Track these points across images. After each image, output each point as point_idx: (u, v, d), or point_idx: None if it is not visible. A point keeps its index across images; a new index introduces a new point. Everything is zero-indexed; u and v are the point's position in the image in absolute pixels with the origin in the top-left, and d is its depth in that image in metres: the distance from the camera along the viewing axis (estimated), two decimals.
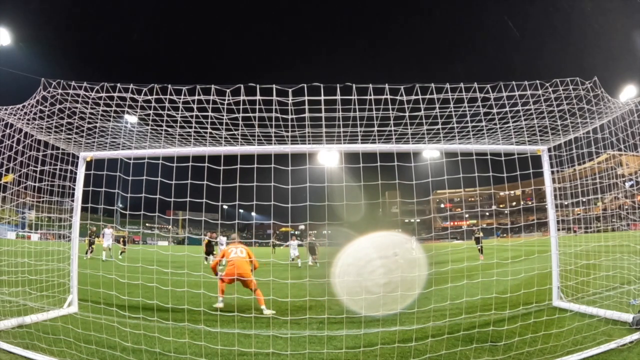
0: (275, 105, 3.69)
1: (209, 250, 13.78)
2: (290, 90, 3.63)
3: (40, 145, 4.89)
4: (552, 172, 5.38)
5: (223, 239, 15.94)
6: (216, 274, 6.06)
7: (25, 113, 4.39)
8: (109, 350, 3.49)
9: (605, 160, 5.28)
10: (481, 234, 17.86)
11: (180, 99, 3.82)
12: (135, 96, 3.87)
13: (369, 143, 4.88)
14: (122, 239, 19.25)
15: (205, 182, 3.95)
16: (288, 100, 3.65)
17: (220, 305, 5.63)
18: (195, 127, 4.34)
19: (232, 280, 5.56)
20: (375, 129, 4.22)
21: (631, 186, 5.45)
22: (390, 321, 4.55)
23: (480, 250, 16.27)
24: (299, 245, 16.44)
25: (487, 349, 3.55)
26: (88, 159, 5.33)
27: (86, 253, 15.72)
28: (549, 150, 5.40)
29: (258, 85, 3.62)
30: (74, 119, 4.29)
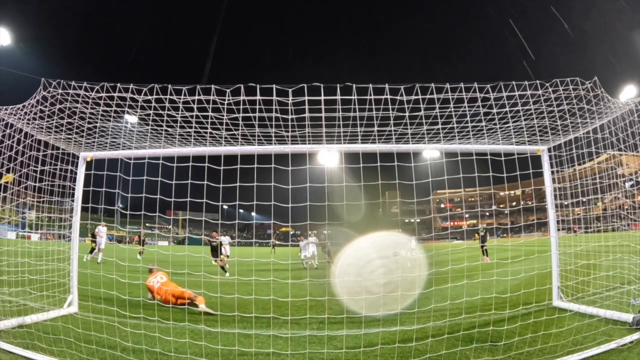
0: (275, 105, 3.70)
1: (213, 251, 13.43)
2: (290, 90, 3.63)
3: (40, 145, 4.89)
4: (552, 172, 5.38)
5: (225, 239, 15.70)
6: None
7: (26, 113, 4.39)
8: (109, 350, 3.49)
9: (605, 160, 5.28)
10: (487, 234, 15.90)
11: (180, 99, 3.82)
12: (135, 96, 3.87)
13: (369, 143, 4.88)
14: (138, 238, 19.09)
15: (205, 182, 3.95)
16: (288, 100, 3.65)
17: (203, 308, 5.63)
18: (195, 127, 4.34)
19: (171, 302, 5.59)
20: (375, 129, 4.22)
21: (631, 186, 5.45)
22: (391, 321, 4.55)
23: (484, 252, 15.00)
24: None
25: (487, 349, 3.55)
26: (88, 159, 5.33)
27: (90, 252, 15.34)
28: (549, 150, 5.40)
29: (258, 85, 3.63)
30: (74, 119, 4.29)
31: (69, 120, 4.32)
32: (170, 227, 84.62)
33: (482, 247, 15.33)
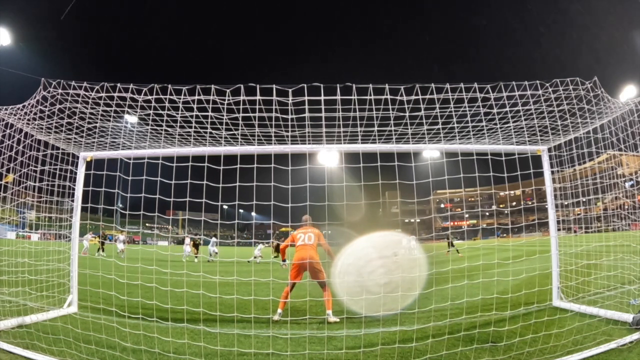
0: (275, 105, 3.69)
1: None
2: (290, 90, 3.63)
3: (40, 145, 4.89)
4: (552, 172, 5.38)
5: (212, 240, 16.48)
6: None
7: (26, 113, 4.39)
8: (108, 351, 3.49)
9: (606, 160, 5.27)
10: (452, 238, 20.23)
11: (180, 98, 3.82)
12: (135, 96, 3.87)
13: (369, 143, 4.88)
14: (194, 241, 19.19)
15: (205, 182, 3.95)
16: (288, 100, 3.65)
17: None
18: (195, 127, 4.33)
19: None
20: (376, 129, 4.22)
21: (631, 186, 5.44)
22: (391, 321, 4.55)
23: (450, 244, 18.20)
24: None
25: (488, 350, 3.55)
26: (88, 159, 5.33)
27: (98, 251, 16.10)
28: (549, 150, 5.40)
29: (258, 85, 3.62)
30: (74, 119, 4.29)
31: (69, 120, 4.32)
32: (169, 227, 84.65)
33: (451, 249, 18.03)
